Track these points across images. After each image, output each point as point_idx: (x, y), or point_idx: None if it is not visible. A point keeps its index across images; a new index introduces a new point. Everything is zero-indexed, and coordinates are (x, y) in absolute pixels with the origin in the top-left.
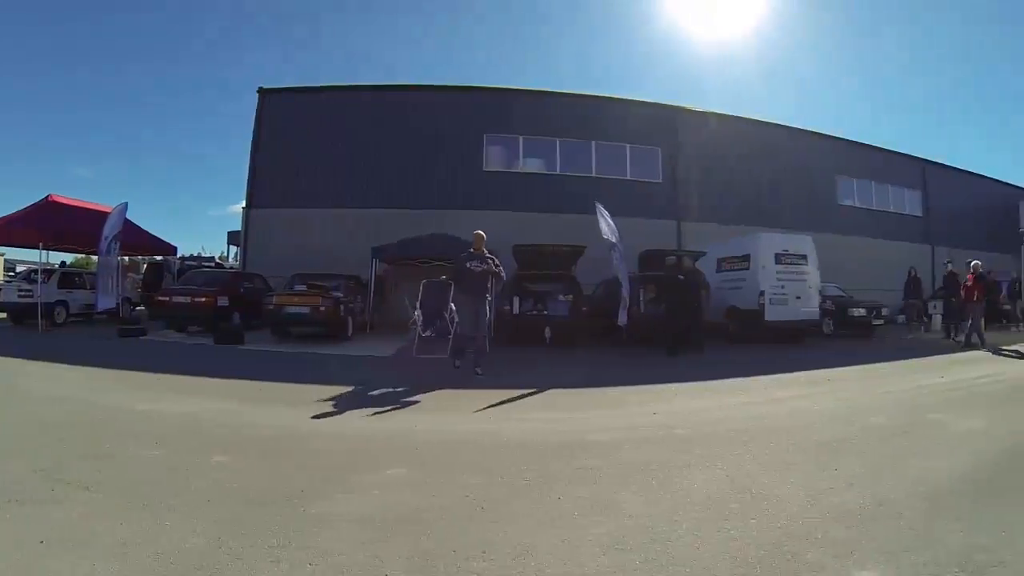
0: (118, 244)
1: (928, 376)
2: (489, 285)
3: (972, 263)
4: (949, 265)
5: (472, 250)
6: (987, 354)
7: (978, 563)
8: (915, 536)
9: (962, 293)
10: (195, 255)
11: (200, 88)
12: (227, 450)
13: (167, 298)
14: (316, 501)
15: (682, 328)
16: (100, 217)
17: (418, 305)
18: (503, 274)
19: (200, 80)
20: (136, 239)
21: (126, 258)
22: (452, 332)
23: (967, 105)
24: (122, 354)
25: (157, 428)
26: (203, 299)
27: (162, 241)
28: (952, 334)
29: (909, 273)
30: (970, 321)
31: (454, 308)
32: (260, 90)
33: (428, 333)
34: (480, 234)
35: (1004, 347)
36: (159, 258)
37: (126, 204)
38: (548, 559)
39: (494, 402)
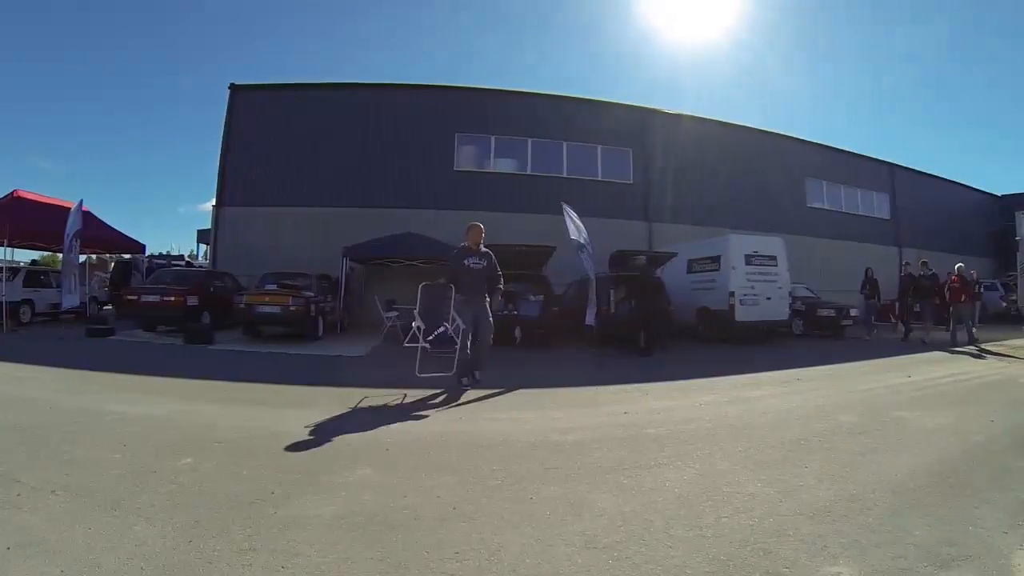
0: (78, 242)
1: (895, 375)
2: (491, 288)
3: (957, 266)
4: (907, 266)
5: (468, 244)
6: (947, 354)
7: (946, 556)
8: (884, 531)
9: (947, 294)
10: (164, 253)
11: (171, 82)
12: (196, 452)
13: (136, 297)
14: (286, 503)
15: (649, 327)
16: (67, 214)
17: (416, 313)
18: (502, 282)
19: (171, 74)
20: (104, 237)
21: (94, 256)
22: (458, 346)
23: (937, 110)
24: (89, 354)
25: (125, 430)
26: (172, 298)
27: (130, 239)
28: (909, 335)
29: (866, 273)
30: (952, 322)
31: (456, 316)
32: (232, 86)
33: (425, 344)
34: (478, 226)
35: (957, 348)
36: (127, 256)
37: (81, 201)
38: (521, 559)
39: (464, 402)
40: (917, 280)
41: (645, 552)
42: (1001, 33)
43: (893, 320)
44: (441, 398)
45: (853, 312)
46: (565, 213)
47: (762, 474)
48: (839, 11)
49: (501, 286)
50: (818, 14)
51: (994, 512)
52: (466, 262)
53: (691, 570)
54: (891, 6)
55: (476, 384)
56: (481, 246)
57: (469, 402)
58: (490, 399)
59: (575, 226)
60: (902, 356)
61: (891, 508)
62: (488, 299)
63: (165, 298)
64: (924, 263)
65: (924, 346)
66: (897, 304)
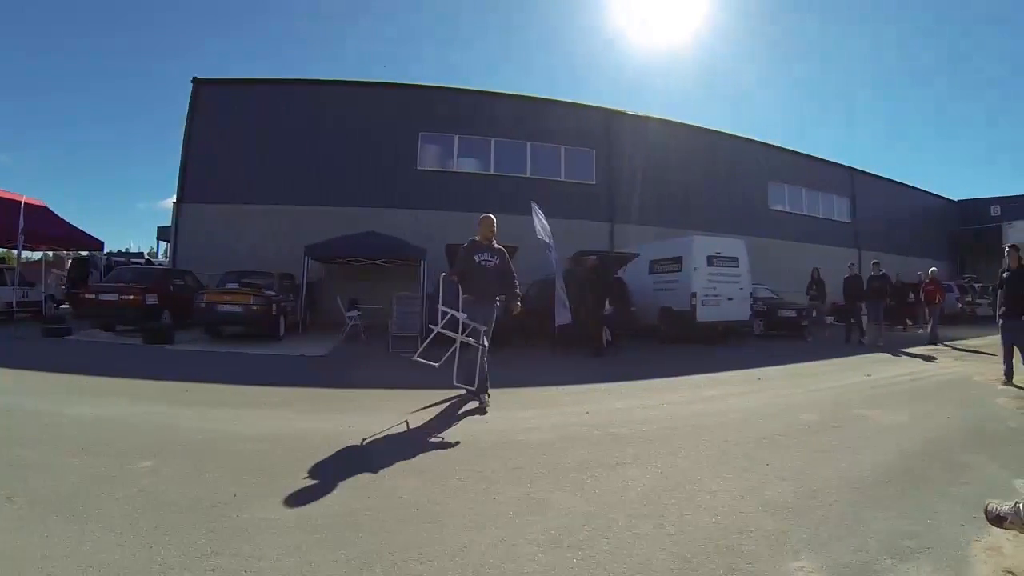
0: (22, 238)
1: (854, 374)
2: (508, 290)
3: (931, 270)
4: (851, 267)
5: (478, 239)
6: (891, 355)
7: (905, 549)
8: (845, 525)
9: (922, 295)
10: (123, 251)
11: (132, 75)
12: (155, 455)
13: (93, 296)
14: (248, 506)
15: (598, 329)
16: (18, 208)
17: (440, 306)
18: (518, 287)
19: (133, 66)
20: (61, 233)
21: (51, 254)
22: (479, 359)
23: (897, 117)
24: (46, 355)
25: (82, 433)
26: (131, 297)
27: (88, 236)
28: (851, 336)
29: (812, 274)
30: (930, 321)
31: (464, 317)
32: (194, 80)
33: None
34: (490, 218)
35: (901, 350)
36: (85, 254)
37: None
38: (486, 559)
39: (426, 403)
40: (868, 282)
41: (610, 550)
42: (960, 42)
43: (853, 321)
44: (406, 398)
45: (813, 313)
46: (533, 213)
47: (724, 472)
48: (803, 17)
49: (519, 290)
50: (783, 19)
51: (951, 505)
52: (477, 258)
53: (656, 567)
54: (853, 14)
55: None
56: (494, 241)
57: (433, 404)
58: (453, 400)
59: (542, 226)
60: (860, 356)
61: (851, 503)
62: (497, 302)
63: (124, 297)
64: (875, 264)
65: (869, 348)
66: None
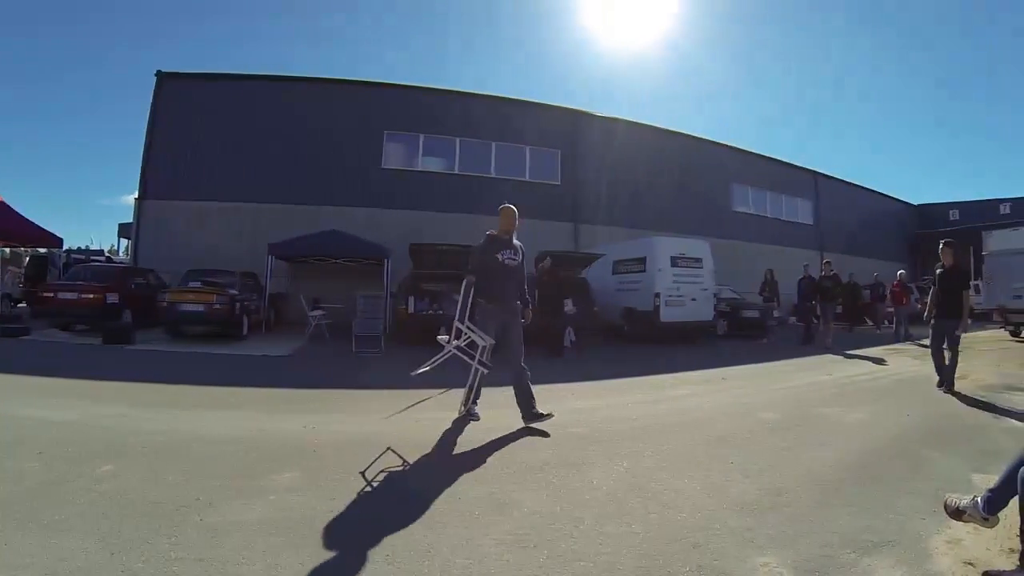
0: None
1: (816, 374)
2: (521, 295)
3: (899, 272)
4: (806, 268)
5: (497, 233)
6: (848, 355)
7: (867, 543)
8: (809, 522)
9: (889, 297)
10: (83, 248)
11: (94, 66)
12: (117, 458)
13: (52, 294)
14: (212, 509)
15: (552, 330)
16: None
17: (459, 323)
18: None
19: (95, 58)
20: (17, 229)
21: (7, 250)
22: (474, 366)
23: (860, 121)
24: (1, 355)
25: (40, 436)
26: (91, 295)
27: (47, 232)
28: (808, 337)
29: (765, 275)
30: (896, 321)
31: (469, 325)
32: (158, 73)
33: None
34: (511, 210)
35: (852, 351)
36: (43, 250)
37: None
38: (452, 559)
39: (390, 403)
40: (819, 282)
41: (576, 550)
42: (922, 49)
43: (815, 321)
44: (371, 399)
45: (776, 313)
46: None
47: (689, 471)
48: (771, 23)
49: (528, 296)
50: (751, 25)
51: (912, 500)
52: (500, 256)
53: (622, 566)
54: (819, 20)
55: (475, 417)
56: (515, 237)
57: (395, 403)
58: (416, 400)
59: None
60: (822, 356)
61: (815, 500)
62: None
63: (83, 295)
64: (827, 264)
65: (821, 349)
66: (798, 307)
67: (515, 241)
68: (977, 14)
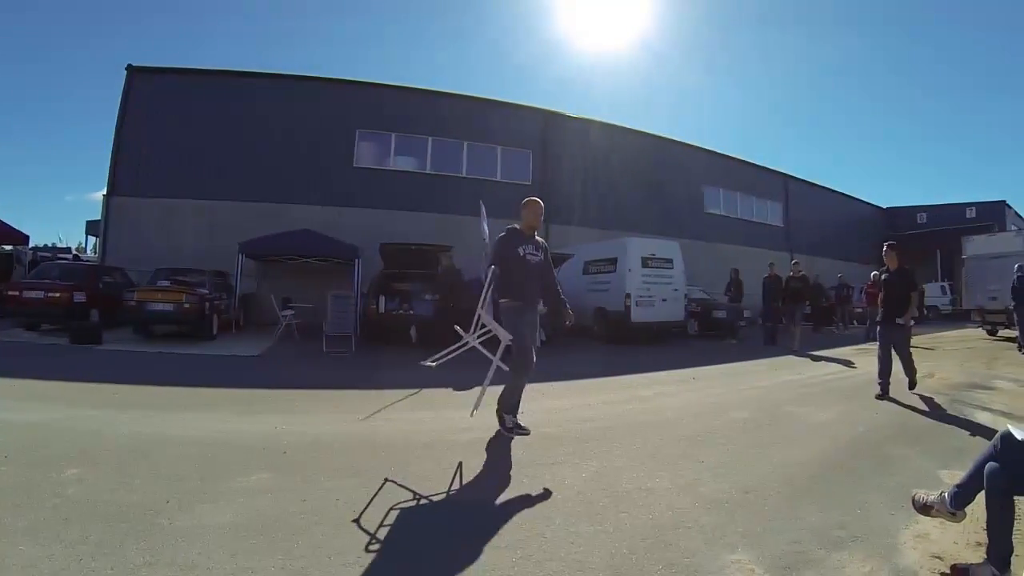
0: None
1: (786, 374)
2: (552, 295)
3: (873, 274)
4: (771, 267)
5: (519, 227)
6: (817, 356)
7: (837, 539)
8: (779, 519)
9: (865, 298)
10: (50, 245)
11: (62, 57)
12: (84, 462)
13: (17, 293)
14: (182, 512)
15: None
16: None
17: (482, 313)
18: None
19: (64, 49)
20: None
21: None
22: (515, 374)
23: (829, 124)
24: None
25: (4, 439)
26: (58, 294)
27: (12, 228)
28: (773, 339)
29: (731, 275)
30: (869, 321)
31: (496, 327)
32: (129, 67)
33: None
34: (537, 203)
35: (820, 351)
36: (8, 248)
37: None
38: (423, 558)
39: (359, 402)
40: (787, 283)
41: (548, 550)
42: (891, 57)
43: (783, 322)
44: (342, 399)
45: (747, 313)
46: (481, 214)
47: (660, 470)
48: (745, 26)
49: (563, 295)
50: (724, 30)
51: (880, 496)
52: (521, 251)
53: (593, 565)
54: (790, 25)
55: (522, 430)
56: (537, 233)
57: (365, 404)
58: (388, 400)
59: (488, 232)
60: (791, 356)
61: (785, 497)
62: (543, 309)
63: (50, 294)
64: (795, 264)
65: (788, 350)
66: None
67: (538, 237)
68: (951, 27)
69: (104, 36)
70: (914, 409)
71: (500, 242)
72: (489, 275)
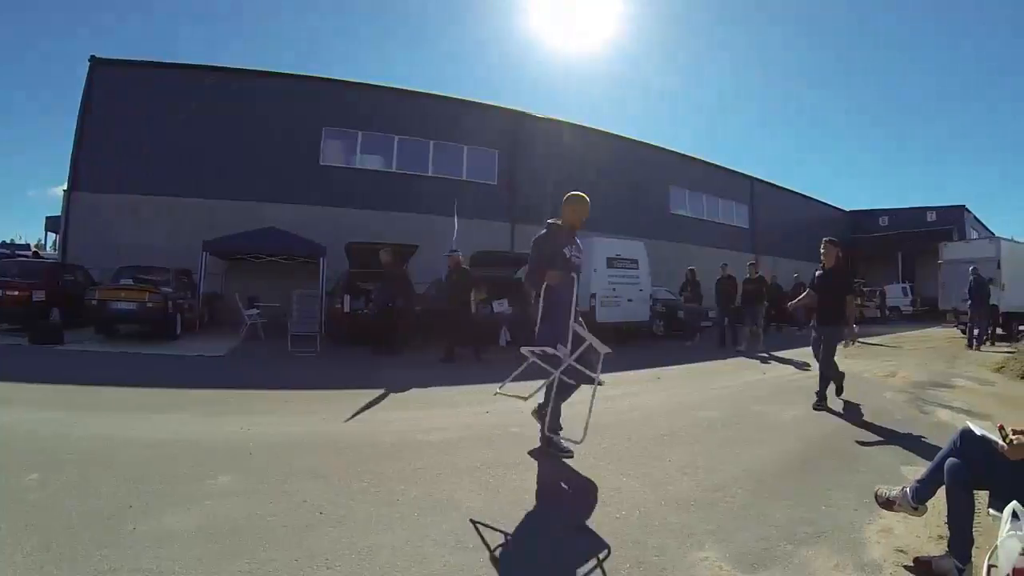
0: None
1: (752, 373)
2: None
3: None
4: (724, 267)
5: (560, 224)
6: (783, 355)
7: (803, 535)
8: (747, 516)
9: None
10: (8, 242)
11: (23, 47)
12: (44, 466)
13: None
14: (146, 517)
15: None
16: None
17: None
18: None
19: (23, 38)
20: None
21: None
22: (554, 387)
23: (796, 128)
24: None
25: None
26: (16, 293)
27: None
28: (727, 340)
29: (687, 275)
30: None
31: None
32: (92, 59)
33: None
34: (584, 199)
35: (783, 351)
36: None
37: None
38: (393, 561)
39: (325, 403)
40: (744, 284)
41: (515, 549)
42: (857, 60)
43: (739, 323)
44: (308, 399)
45: (712, 314)
46: (455, 213)
47: (627, 469)
48: (718, 26)
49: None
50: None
51: (845, 493)
52: (567, 252)
53: (564, 563)
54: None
55: (567, 452)
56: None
57: (330, 404)
58: (353, 401)
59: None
60: (756, 357)
61: (752, 495)
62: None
63: (8, 293)
64: (751, 265)
65: (748, 353)
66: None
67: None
68: (926, 39)
69: (69, 25)
70: (878, 408)
71: (543, 241)
72: (569, 284)
